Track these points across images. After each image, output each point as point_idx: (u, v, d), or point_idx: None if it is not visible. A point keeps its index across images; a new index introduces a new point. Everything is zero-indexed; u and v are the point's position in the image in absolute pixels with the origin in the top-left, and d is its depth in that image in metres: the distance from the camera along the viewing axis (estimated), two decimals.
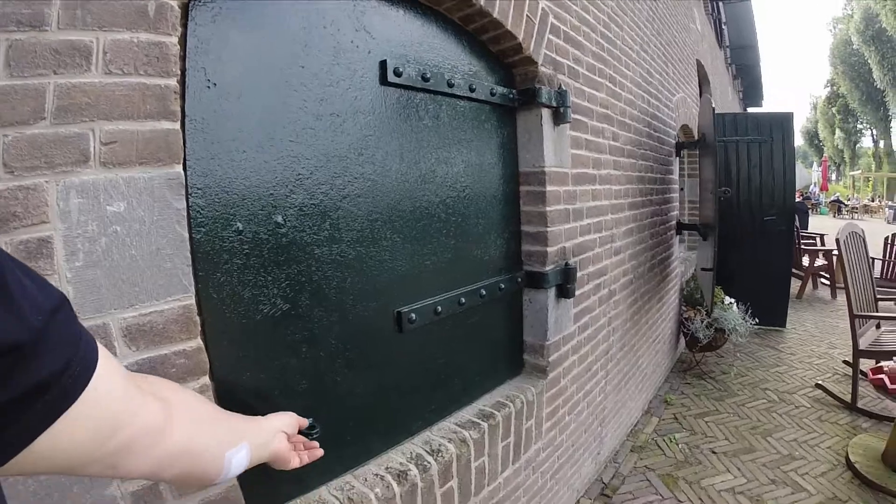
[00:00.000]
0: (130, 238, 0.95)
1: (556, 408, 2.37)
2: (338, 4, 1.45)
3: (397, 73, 1.60)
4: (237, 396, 1.21)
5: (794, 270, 8.05)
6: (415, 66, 1.67)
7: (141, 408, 0.60)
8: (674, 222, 4.65)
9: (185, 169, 1.05)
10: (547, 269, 2.19)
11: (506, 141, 2.14)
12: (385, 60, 1.57)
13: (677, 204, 4.82)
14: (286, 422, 1.00)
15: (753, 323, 4.73)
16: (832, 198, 29.09)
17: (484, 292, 1.98)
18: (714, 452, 3.30)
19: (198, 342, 1.05)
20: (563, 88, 2.20)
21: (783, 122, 5.93)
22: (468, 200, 1.94)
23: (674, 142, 4.67)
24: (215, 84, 1.16)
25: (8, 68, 0.83)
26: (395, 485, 1.51)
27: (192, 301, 1.04)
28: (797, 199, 20.69)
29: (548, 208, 2.17)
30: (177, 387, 0.80)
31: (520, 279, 2.19)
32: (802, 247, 8.54)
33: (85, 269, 0.90)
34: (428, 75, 1.70)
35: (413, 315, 1.70)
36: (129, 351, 0.95)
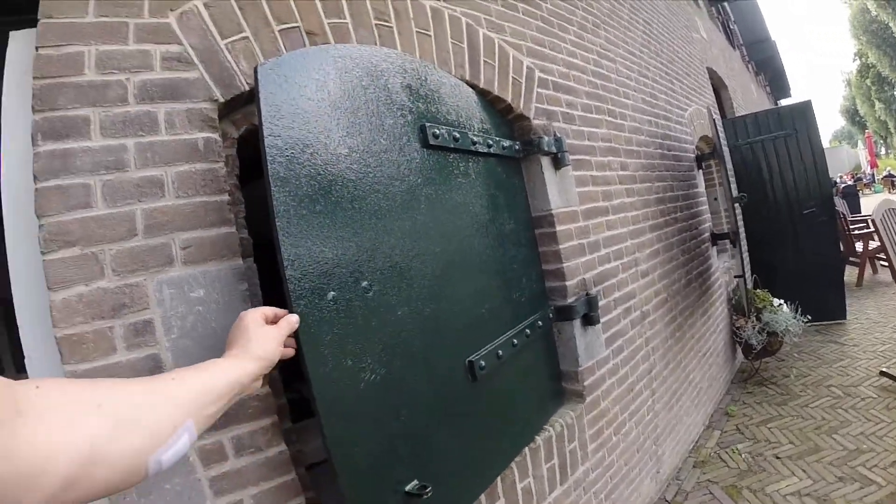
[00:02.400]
0: (210, 315, 1.27)
1: (600, 429, 2.48)
2: (386, 61, 1.64)
3: (435, 136, 1.73)
4: (352, 474, 1.27)
5: (850, 258, 7.87)
6: (446, 128, 1.81)
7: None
8: (707, 234, 4.69)
9: (278, 241, 1.18)
10: (569, 301, 2.35)
11: (519, 189, 2.33)
12: (424, 125, 1.71)
13: (708, 216, 4.87)
14: (267, 357, 0.99)
15: (806, 320, 4.68)
16: (884, 173, 27.92)
17: (528, 332, 2.11)
18: (778, 458, 3.29)
19: (266, 389, 1.31)
20: (559, 136, 2.39)
21: (804, 111, 5.90)
22: (502, 247, 2.07)
23: (693, 156, 4.76)
24: (290, 148, 1.26)
25: (105, 201, 1.17)
26: None
27: None
28: (848, 182, 20.03)
29: (560, 246, 2.34)
30: (71, 388, 0.63)
31: (550, 314, 2.34)
32: (855, 232, 8.30)
33: (179, 340, 1.22)
34: (457, 136, 1.85)
35: (482, 362, 1.78)
36: None
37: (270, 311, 1.11)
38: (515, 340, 2.00)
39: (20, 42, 1.29)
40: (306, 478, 1.44)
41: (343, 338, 1.29)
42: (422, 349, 1.54)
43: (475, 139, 1.96)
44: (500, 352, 1.90)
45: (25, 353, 1.22)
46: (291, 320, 1.12)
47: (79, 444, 0.55)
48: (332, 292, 1.29)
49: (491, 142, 2.08)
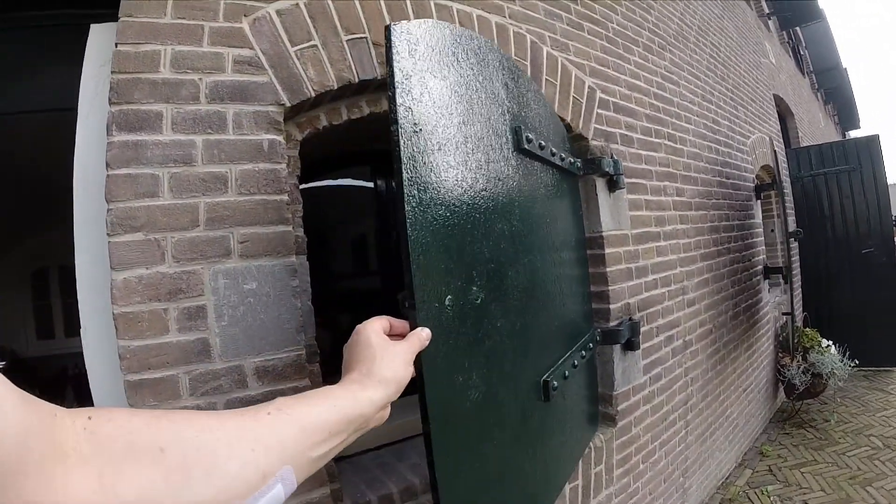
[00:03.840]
0: (260, 307, 1.33)
1: (629, 455, 2.44)
2: (490, 51, 1.46)
3: (528, 141, 1.59)
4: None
5: None
6: (533, 134, 1.66)
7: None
8: (760, 267, 4.54)
9: (405, 230, 0.99)
10: (611, 324, 2.32)
11: (576, 207, 2.28)
12: (519, 127, 1.55)
13: (762, 248, 4.72)
14: (397, 381, 0.79)
15: (853, 365, 4.50)
16: None
17: (584, 353, 2.00)
18: None
19: (307, 381, 1.38)
20: (615, 158, 2.37)
21: (870, 146, 5.72)
22: (566, 264, 1.98)
23: (752, 185, 4.62)
24: (420, 129, 1.07)
25: (171, 192, 1.25)
26: None
27: (303, 352, 1.37)
28: None
29: (608, 269, 2.32)
30: (145, 423, 0.51)
31: (598, 337, 2.29)
32: None
33: (228, 328, 1.28)
34: (542, 144, 1.71)
35: (555, 382, 1.62)
36: (257, 384, 1.31)
37: (387, 321, 0.91)
38: (576, 361, 1.89)
39: (99, 35, 1.38)
40: (333, 469, 1.48)
41: (455, 350, 1.12)
42: (511, 366, 1.38)
43: (553, 150, 1.85)
44: (567, 372, 1.77)
45: (81, 323, 1.32)
46: (422, 335, 0.91)
47: (127, 500, 0.45)
48: (449, 296, 1.10)
49: (564, 155, 1.98)
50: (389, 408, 0.82)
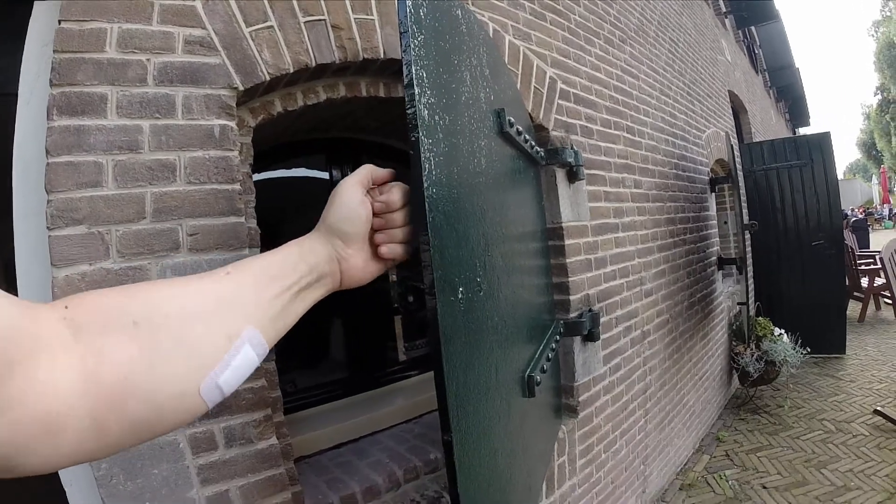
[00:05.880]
0: None
1: (591, 445, 2.47)
2: (477, 25, 1.34)
3: (510, 125, 1.46)
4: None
5: (854, 293, 7.83)
6: (513, 118, 1.51)
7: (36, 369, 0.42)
8: (714, 258, 4.66)
9: (425, 211, 0.81)
10: (571, 316, 2.33)
11: (539, 196, 2.21)
12: (502, 109, 1.42)
13: (716, 240, 4.85)
14: (339, 218, 0.74)
15: (805, 352, 4.65)
16: None
17: (554, 345, 1.93)
18: (765, 487, 3.27)
19: (262, 382, 1.30)
20: (575, 149, 2.36)
21: (821, 143, 5.91)
22: (535, 256, 1.92)
23: (707, 178, 4.73)
24: (432, 90, 0.92)
25: (116, 181, 1.16)
26: None
27: None
28: (859, 216, 19.92)
29: (567, 260, 2.33)
30: (108, 297, 0.53)
31: (561, 329, 2.28)
32: (861, 267, 8.24)
33: None
34: (520, 129, 1.58)
35: (538, 377, 1.50)
36: None
37: (368, 172, 0.80)
38: (550, 354, 1.79)
39: (43, 13, 1.27)
40: (294, 472, 1.43)
41: (468, 349, 0.99)
42: (503, 362, 1.26)
43: (526, 137, 1.72)
44: (545, 366, 1.65)
45: None
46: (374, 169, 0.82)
47: (109, 379, 0.46)
48: (461, 287, 0.98)
49: (533, 143, 1.89)
50: (366, 264, 0.77)
